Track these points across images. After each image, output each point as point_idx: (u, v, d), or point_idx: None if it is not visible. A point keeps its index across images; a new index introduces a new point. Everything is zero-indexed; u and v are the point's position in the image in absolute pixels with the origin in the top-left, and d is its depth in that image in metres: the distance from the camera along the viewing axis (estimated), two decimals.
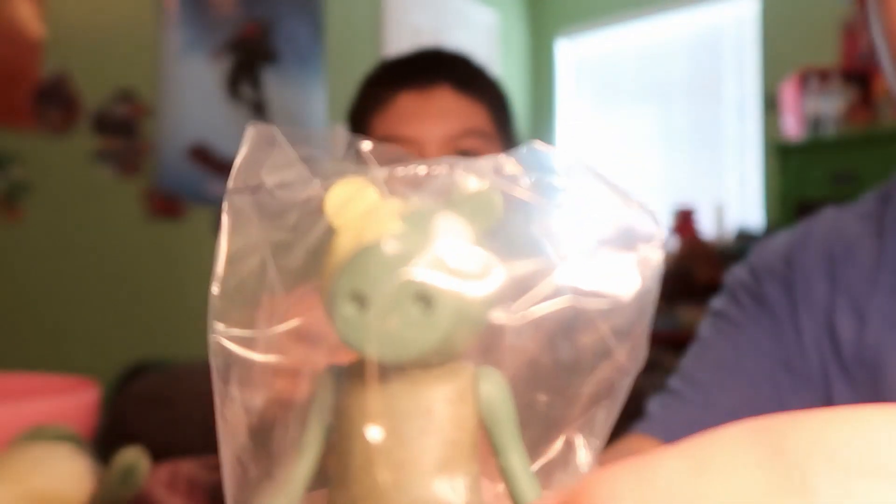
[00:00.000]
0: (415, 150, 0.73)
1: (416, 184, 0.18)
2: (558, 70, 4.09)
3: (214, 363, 0.18)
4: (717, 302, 0.64)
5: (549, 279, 0.18)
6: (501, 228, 0.18)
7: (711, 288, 2.93)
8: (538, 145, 0.19)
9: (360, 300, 0.16)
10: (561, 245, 0.18)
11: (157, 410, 0.79)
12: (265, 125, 0.19)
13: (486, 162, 0.18)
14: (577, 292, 0.18)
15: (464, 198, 0.17)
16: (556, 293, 0.18)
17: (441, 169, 0.18)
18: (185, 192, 2.46)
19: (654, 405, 0.60)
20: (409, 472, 0.17)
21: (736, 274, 0.64)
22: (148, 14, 2.39)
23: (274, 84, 2.74)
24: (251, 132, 0.19)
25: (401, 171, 0.18)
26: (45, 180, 2.12)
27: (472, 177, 0.18)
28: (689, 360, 0.61)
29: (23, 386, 0.60)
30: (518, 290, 0.18)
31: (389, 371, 0.17)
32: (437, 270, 0.16)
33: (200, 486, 0.40)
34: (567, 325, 0.19)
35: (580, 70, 4.06)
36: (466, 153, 0.73)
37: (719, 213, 3.20)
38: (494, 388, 0.18)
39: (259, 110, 2.70)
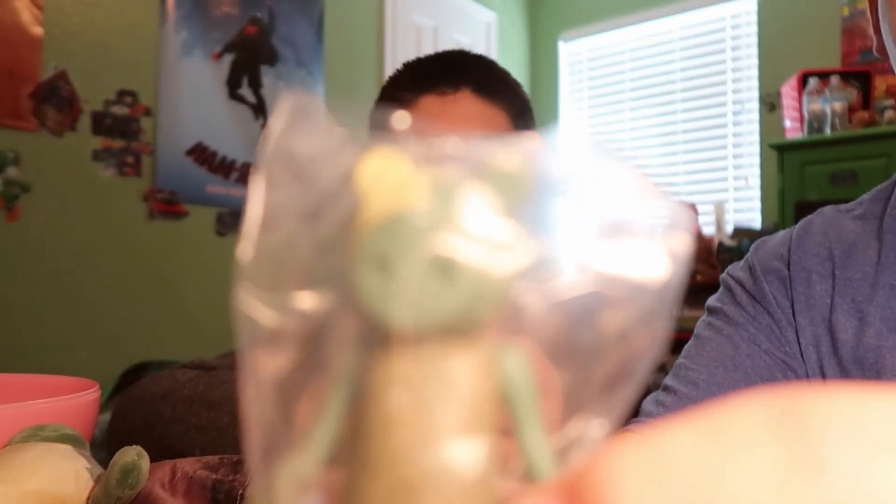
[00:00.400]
0: None
1: (448, 158, 0.18)
2: (558, 70, 4.09)
3: (241, 327, 0.18)
4: (714, 300, 0.64)
5: (575, 261, 0.18)
6: (530, 207, 0.18)
7: (711, 288, 2.93)
8: (570, 128, 0.19)
9: (384, 267, 0.16)
10: (588, 228, 0.18)
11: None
12: (303, 94, 0.19)
13: (519, 140, 0.18)
14: (603, 276, 0.18)
15: (495, 172, 0.17)
16: (580, 276, 0.18)
17: (474, 144, 0.18)
18: (185, 193, 2.46)
19: (648, 403, 0.60)
20: (427, 437, 0.17)
21: (733, 272, 0.64)
22: (148, 14, 2.39)
23: (274, 85, 2.75)
24: (288, 100, 0.19)
25: (434, 144, 0.18)
26: (45, 180, 2.12)
27: (505, 152, 0.18)
28: (685, 358, 0.61)
29: (23, 386, 0.60)
30: (543, 269, 0.18)
31: (411, 338, 0.17)
32: (463, 240, 0.16)
33: (200, 485, 0.40)
34: (589, 309, 0.18)
35: (579, 70, 4.06)
36: None
37: (719, 212, 3.20)
38: (517, 363, 0.18)
39: (259, 111, 2.70)
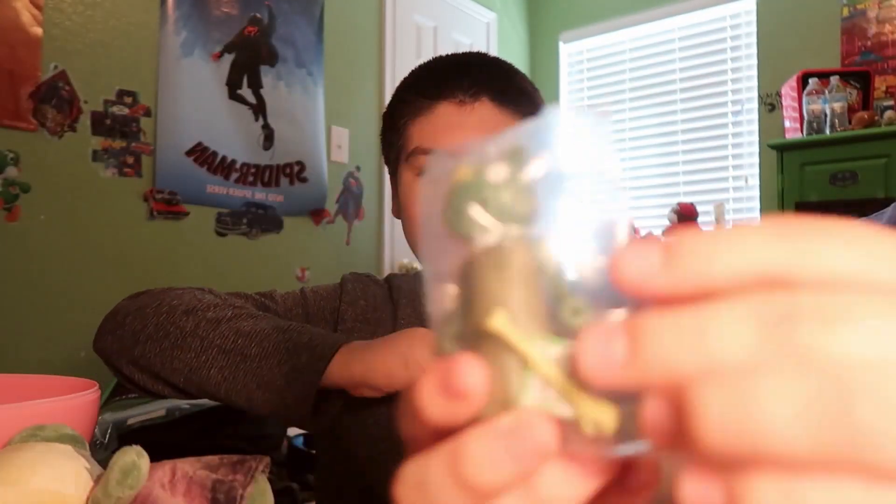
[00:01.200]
0: None
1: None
2: (558, 70, 4.09)
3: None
4: None
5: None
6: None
7: None
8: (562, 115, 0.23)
9: (482, 204, 0.22)
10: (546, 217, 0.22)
11: None
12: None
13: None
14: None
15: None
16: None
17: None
18: (185, 193, 2.46)
19: None
20: (524, 327, 0.20)
21: None
22: (148, 14, 2.39)
23: (274, 85, 2.75)
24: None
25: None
26: (45, 181, 2.12)
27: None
28: None
29: (23, 386, 0.61)
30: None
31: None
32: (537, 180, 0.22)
33: (200, 484, 0.40)
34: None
35: (579, 71, 4.06)
36: None
37: (718, 212, 3.20)
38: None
39: (259, 111, 2.70)
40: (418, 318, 0.85)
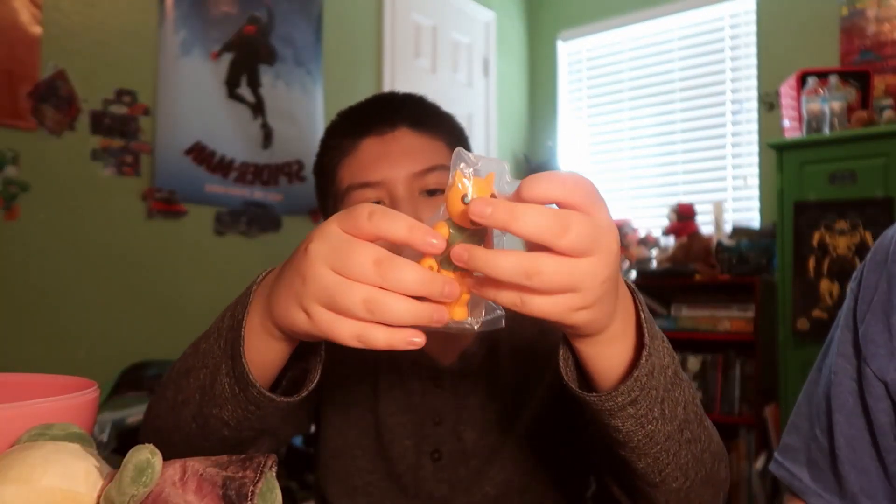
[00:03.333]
0: (384, 193, 0.77)
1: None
2: (557, 70, 4.10)
3: None
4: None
5: None
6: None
7: (710, 287, 2.96)
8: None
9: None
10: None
11: None
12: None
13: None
14: None
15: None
16: None
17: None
18: (184, 192, 2.46)
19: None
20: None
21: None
22: (147, 14, 2.39)
23: (272, 84, 2.75)
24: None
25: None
26: (44, 180, 2.12)
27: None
28: None
29: (22, 385, 0.60)
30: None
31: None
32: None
33: (211, 482, 0.40)
34: None
35: (578, 70, 4.06)
36: (433, 191, 0.78)
37: (718, 212, 3.20)
38: None
39: (257, 110, 2.70)
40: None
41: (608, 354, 0.49)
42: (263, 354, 0.53)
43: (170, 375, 0.65)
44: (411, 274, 0.41)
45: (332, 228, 0.44)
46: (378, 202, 0.76)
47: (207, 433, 0.59)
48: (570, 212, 0.39)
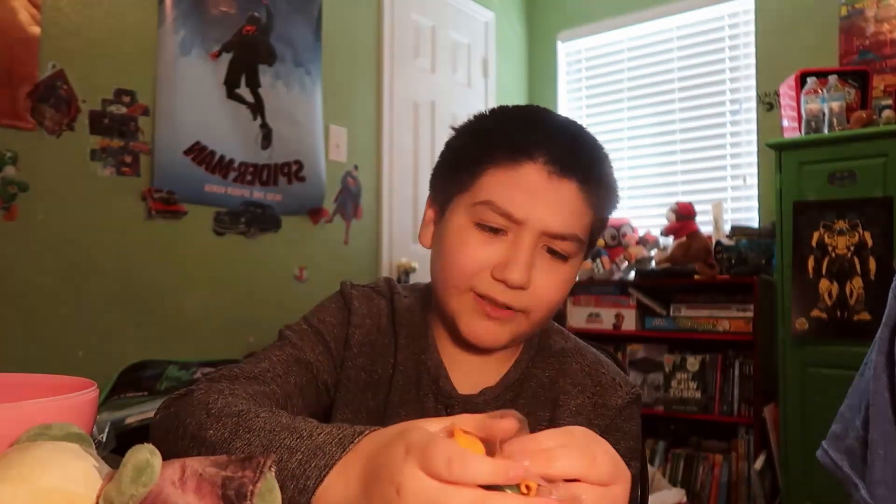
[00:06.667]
0: (515, 229, 0.73)
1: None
2: (556, 70, 4.10)
3: None
4: None
5: None
6: None
7: (709, 287, 2.97)
8: None
9: None
10: None
11: None
12: None
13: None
14: None
15: None
16: None
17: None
18: (183, 192, 2.46)
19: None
20: None
21: None
22: (146, 14, 2.39)
23: (271, 84, 2.74)
24: None
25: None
26: (43, 180, 2.12)
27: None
28: None
29: (21, 385, 0.60)
30: None
31: None
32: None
33: (210, 482, 0.40)
34: None
35: (577, 70, 4.06)
36: (555, 252, 0.74)
37: (717, 212, 3.20)
38: None
39: (257, 110, 2.69)
40: (415, 364, 0.84)
41: None
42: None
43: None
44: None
45: (419, 476, 0.40)
46: (500, 230, 0.73)
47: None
48: (595, 448, 0.44)
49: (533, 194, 0.72)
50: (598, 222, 0.79)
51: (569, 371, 0.83)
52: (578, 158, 0.75)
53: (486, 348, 0.78)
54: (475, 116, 0.82)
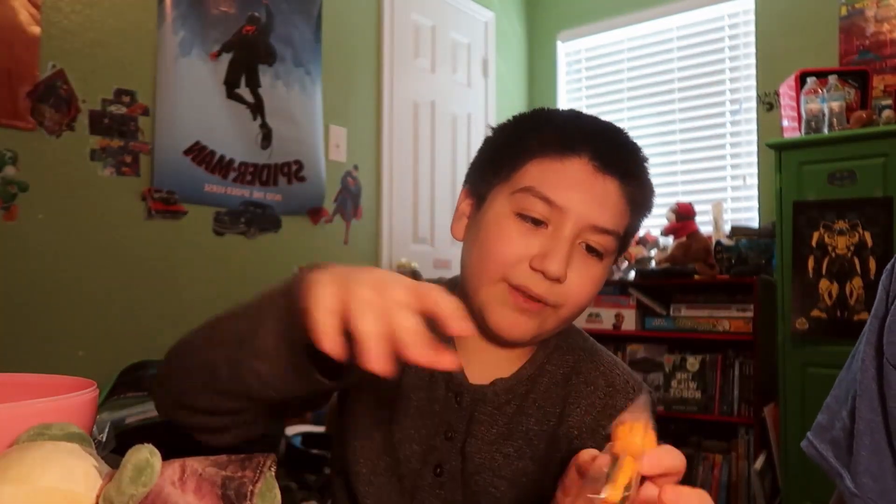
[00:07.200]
0: (556, 218, 0.73)
1: None
2: (556, 69, 4.10)
3: None
4: None
5: None
6: None
7: (709, 287, 2.97)
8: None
9: None
10: None
11: None
12: None
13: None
14: None
15: None
16: None
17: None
18: (183, 192, 2.46)
19: None
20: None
21: None
22: (146, 14, 2.39)
23: (271, 84, 2.74)
24: None
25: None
26: (43, 180, 2.12)
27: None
28: None
29: (20, 385, 0.60)
30: None
31: None
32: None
33: (210, 481, 0.40)
34: None
35: (577, 70, 4.06)
36: (590, 247, 0.75)
37: (717, 212, 3.20)
38: None
39: (257, 110, 2.69)
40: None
41: None
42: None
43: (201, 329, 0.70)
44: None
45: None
46: (540, 222, 0.74)
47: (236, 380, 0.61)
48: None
49: (576, 186, 0.74)
50: (632, 228, 0.80)
51: (583, 370, 0.83)
52: (622, 157, 0.77)
53: (511, 341, 0.78)
54: (516, 115, 0.84)
